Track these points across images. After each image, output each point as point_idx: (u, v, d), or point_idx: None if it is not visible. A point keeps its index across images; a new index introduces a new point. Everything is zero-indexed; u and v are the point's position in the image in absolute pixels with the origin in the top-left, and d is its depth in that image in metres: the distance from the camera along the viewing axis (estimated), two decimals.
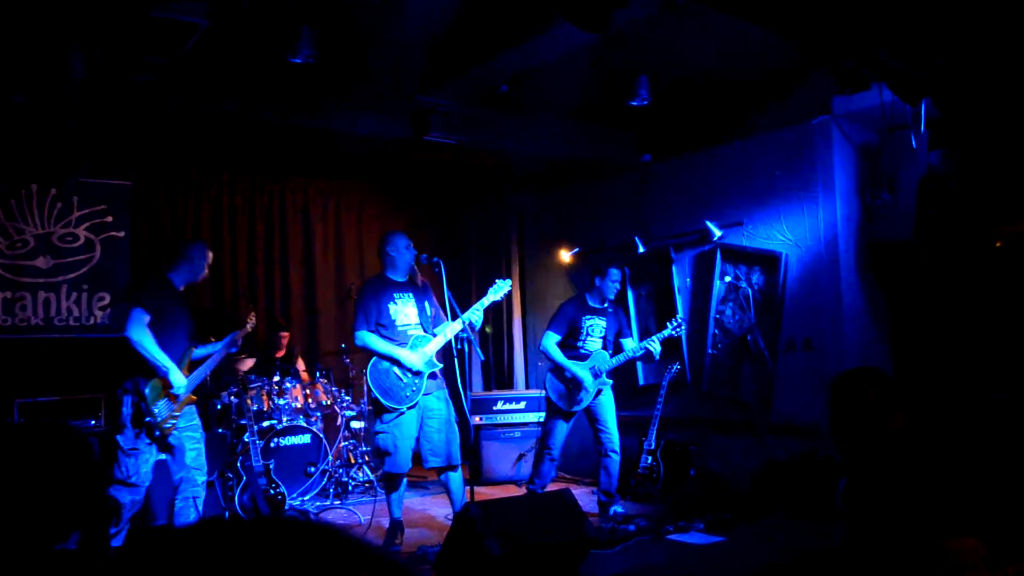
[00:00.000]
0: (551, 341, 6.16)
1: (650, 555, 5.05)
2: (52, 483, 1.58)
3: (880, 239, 6.13)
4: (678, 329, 6.22)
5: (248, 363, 7.58)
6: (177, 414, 4.89)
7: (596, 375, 6.09)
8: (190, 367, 5.06)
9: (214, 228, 8.46)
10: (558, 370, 6.15)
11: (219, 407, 7.11)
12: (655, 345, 5.98)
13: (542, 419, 6.94)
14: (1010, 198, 5.41)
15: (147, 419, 4.77)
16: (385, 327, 5.37)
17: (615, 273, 6.25)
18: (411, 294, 5.50)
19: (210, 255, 5.22)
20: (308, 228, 9.01)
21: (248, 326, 5.50)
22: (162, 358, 4.82)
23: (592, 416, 6.21)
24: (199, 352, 5.20)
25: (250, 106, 6.43)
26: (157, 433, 4.81)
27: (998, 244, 5.64)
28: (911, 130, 5.52)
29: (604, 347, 6.23)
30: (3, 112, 6.01)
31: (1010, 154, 5.29)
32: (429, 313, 5.51)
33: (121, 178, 7.83)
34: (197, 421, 5.08)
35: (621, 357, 6.15)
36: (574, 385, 6.09)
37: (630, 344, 6.27)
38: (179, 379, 4.87)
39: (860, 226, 6.21)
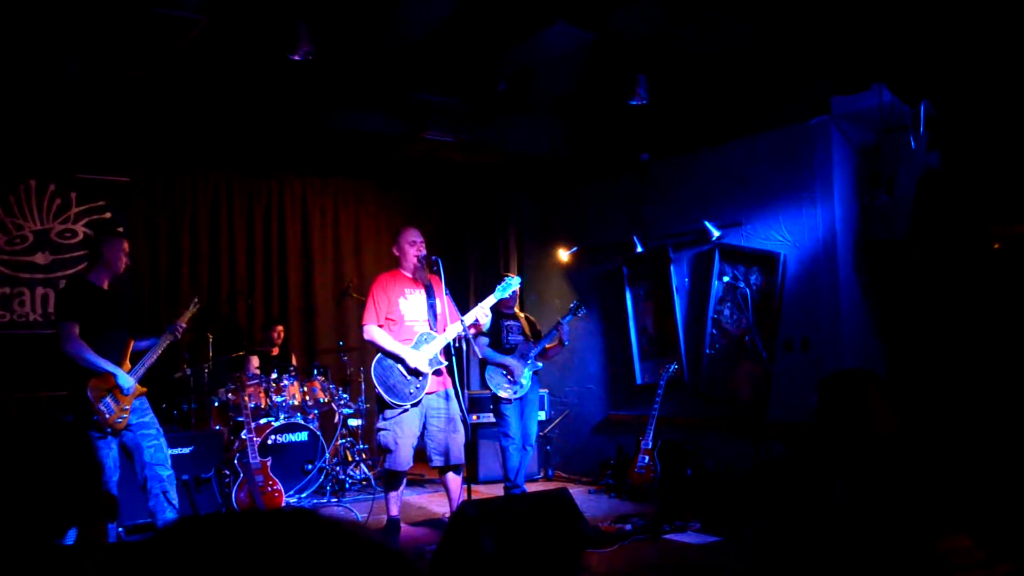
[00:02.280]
0: (483, 343, 6.54)
1: (646, 554, 5.06)
2: (49, 479, 1.58)
3: (878, 239, 6.13)
4: (576, 310, 6.73)
5: (255, 361, 7.58)
6: (127, 407, 4.89)
7: (525, 360, 6.54)
8: (132, 360, 5.05)
9: (211, 225, 8.45)
10: (495, 366, 6.51)
11: (216, 404, 7.11)
12: (564, 327, 6.52)
13: (539, 419, 7.05)
14: (1008, 199, 5.42)
15: (94, 417, 4.77)
16: (395, 321, 5.39)
17: (515, 279, 6.34)
18: (422, 291, 5.52)
19: (125, 245, 5.12)
20: (306, 226, 9.01)
21: (191, 311, 5.44)
22: (104, 364, 4.84)
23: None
24: (141, 344, 5.16)
25: (248, 103, 6.43)
26: (108, 429, 4.81)
27: (996, 245, 5.64)
28: (910, 131, 5.53)
29: (526, 341, 6.70)
30: (2, 108, 6.00)
31: (1008, 155, 5.30)
32: (439, 311, 5.52)
33: (120, 175, 7.83)
34: (150, 416, 5.06)
35: (543, 341, 6.60)
36: (510, 374, 6.47)
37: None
38: (126, 380, 4.89)
39: (858, 226, 6.21)
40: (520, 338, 6.70)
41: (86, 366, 4.80)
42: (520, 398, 6.50)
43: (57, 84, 5.46)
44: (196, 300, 5.60)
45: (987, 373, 5.41)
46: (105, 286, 5.03)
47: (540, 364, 6.74)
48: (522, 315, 6.92)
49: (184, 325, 5.30)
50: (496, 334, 6.57)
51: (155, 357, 5.14)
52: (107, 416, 4.79)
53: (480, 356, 6.52)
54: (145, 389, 5.04)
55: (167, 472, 4.99)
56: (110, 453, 4.85)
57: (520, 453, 6.44)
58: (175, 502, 4.98)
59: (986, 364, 5.45)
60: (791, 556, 4.69)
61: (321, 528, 0.65)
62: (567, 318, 6.61)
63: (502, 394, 6.43)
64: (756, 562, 4.63)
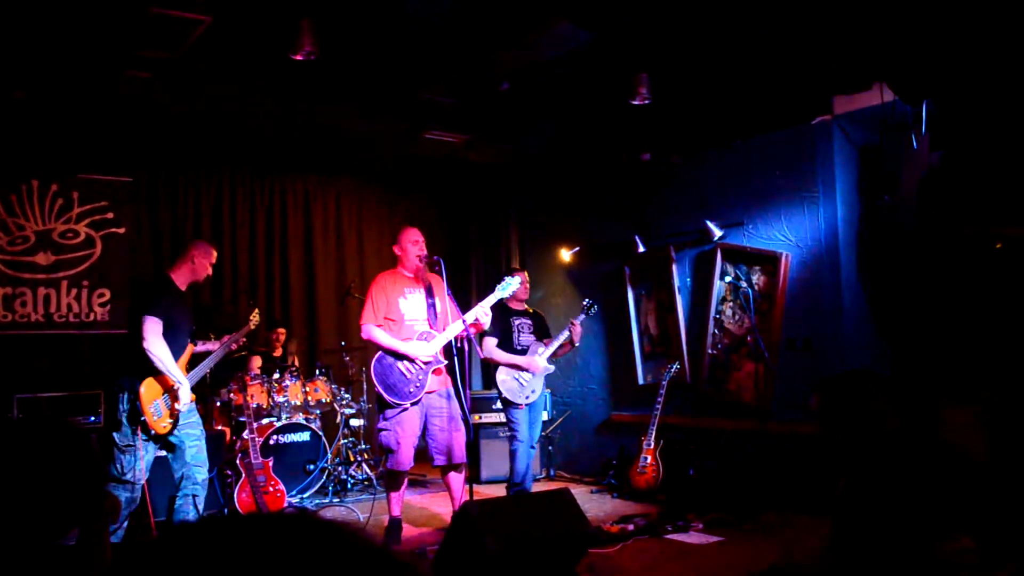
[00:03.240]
0: (491, 344, 6.32)
1: (649, 554, 5.05)
2: (52, 479, 1.58)
3: (880, 239, 6.13)
4: (589, 310, 6.64)
5: (257, 361, 7.60)
6: (175, 416, 4.88)
7: (538, 360, 6.35)
8: (189, 364, 5.07)
9: (214, 225, 8.46)
10: (507, 368, 6.28)
11: (219, 404, 7.12)
12: (573, 327, 6.36)
13: (542, 419, 7.01)
14: (1011, 199, 5.41)
15: (142, 418, 4.76)
16: (394, 321, 5.39)
17: (515, 279, 6.30)
18: (422, 291, 5.51)
19: (214, 254, 5.21)
20: (308, 225, 9.02)
21: (251, 324, 5.52)
22: (177, 373, 4.82)
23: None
24: (198, 350, 5.22)
25: (251, 102, 6.43)
26: (152, 432, 4.81)
27: (998, 245, 5.63)
28: (912, 130, 5.52)
29: (537, 341, 6.49)
30: (4, 107, 6.01)
31: (1010, 155, 5.29)
32: (438, 310, 5.51)
33: (122, 174, 7.83)
34: (196, 417, 5.07)
35: (557, 342, 6.39)
36: (523, 378, 6.25)
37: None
38: (187, 394, 4.89)
39: (860, 226, 6.21)
40: (532, 338, 6.50)
41: (159, 366, 4.75)
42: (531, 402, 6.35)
43: (60, 83, 5.47)
44: (255, 315, 5.67)
45: (990, 372, 5.41)
46: (183, 289, 5.06)
47: (552, 366, 6.53)
48: (531, 311, 6.69)
49: (243, 339, 5.35)
50: (507, 334, 6.39)
51: (210, 366, 5.22)
52: (155, 419, 4.79)
53: (484, 355, 6.37)
54: (194, 396, 5.05)
55: (203, 476, 4.99)
56: (146, 456, 4.84)
57: (529, 456, 6.34)
58: (200, 508, 4.98)
59: (989, 363, 5.44)
60: (794, 556, 4.69)
61: (322, 532, 0.64)
62: (579, 318, 6.49)
63: (515, 398, 6.23)
64: (758, 562, 4.62)
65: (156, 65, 5.53)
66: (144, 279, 7.33)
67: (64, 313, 7.49)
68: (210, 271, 5.18)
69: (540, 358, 6.33)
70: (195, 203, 8.38)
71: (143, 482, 4.85)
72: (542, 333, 6.58)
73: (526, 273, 6.63)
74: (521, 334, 6.47)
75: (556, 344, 6.41)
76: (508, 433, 6.45)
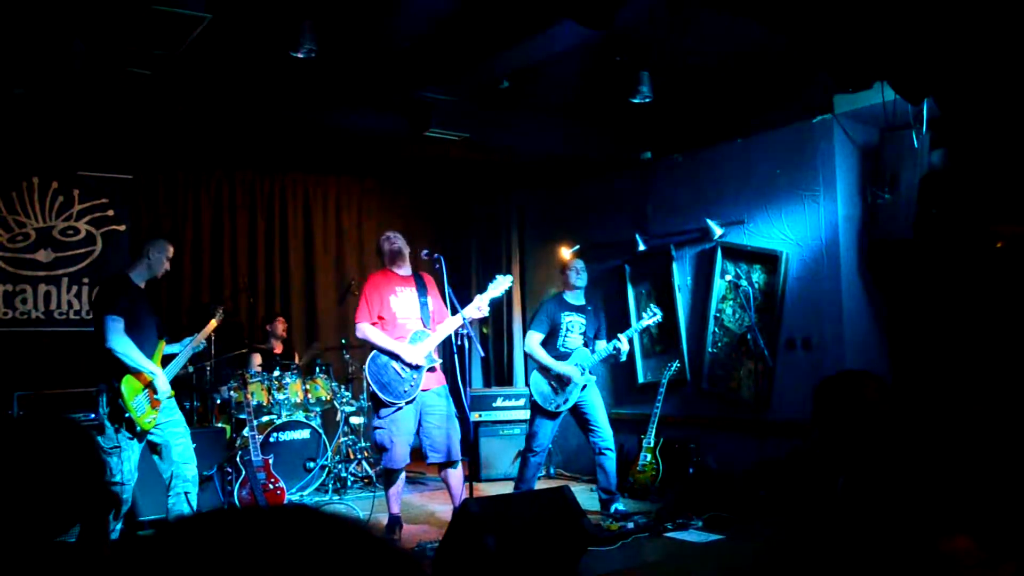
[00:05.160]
0: (535, 340, 6.08)
1: (648, 552, 5.06)
2: (52, 475, 1.58)
3: (881, 238, 6.12)
4: (654, 318, 6.27)
5: (257, 359, 7.60)
6: (158, 408, 4.88)
7: (580, 373, 6.04)
8: (163, 363, 5.05)
9: (214, 222, 8.46)
10: (543, 370, 6.07)
11: (219, 401, 7.12)
12: (622, 343, 6.02)
13: None
14: (1012, 198, 5.41)
15: (126, 415, 4.74)
16: (386, 320, 5.39)
17: (579, 263, 6.29)
18: (414, 289, 5.52)
19: (170, 250, 5.13)
20: (308, 223, 9.02)
21: (213, 323, 5.46)
22: (148, 365, 4.81)
23: (581, 416, 6.15)
24: (170, 348, 5.18)
25: (251, 100, 6.42)
26: (138, 428, 4.80)
27: (999, 244, 5.63)
28: (913, 129, 5.52)
29: (585, 345, 6.17)
30: (4, 105, 6.01)
31: (1011, 154, 5.29)
32: (431, 308, 5.52)
33: (122, 172, 7.83)
34: (178, 415, 5.06)
35: (602, 352, 6.11)
36: (559, 384, 6.01)
37: (602, 345, 6.23)
38: (165, 384, 4.87)
39: (861, 225, 6.21)
40: (579, 341, 6.09)
41: (129, 364, 4.75)
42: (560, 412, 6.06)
43: (60, 80, 5.46)
44: (220, 311, 5.60)
45: (990, 372, 5.40)
46: (142, 286, 5.04)
47: (594, 378, 6.14)
48: (587, 306, 6.24)
49: (200, 340, 5.29)
50: (554, 331, 6.08)
51: (183, 363, 5.18)
52: (139, 414, 4.78)
53: (524, 349, 6.16)
54: (173, 392, 5.03)
55: (193, 472, 4.99)
56: (133, 456, 4.84)
57: (539, 467, 6.19)
58: (195, 504, 4.98)
59: (989, 363, 5.44)
60: (793, 555, 4.69)
61: (325, 524, 0.64)
62: (633, 331, 6.11)
63: (545, 404, 5.99)
64: (758, 561, 4.63)
65: (157, 62, 5.52)
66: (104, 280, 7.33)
67: (64, 310, 7.49)
68: (167, 266, 5.11)
69: (585, 368, 5.99)
70: (195, 201, 8.38)
71: (133, 483, 4.84)
72: (594, 332, 6.23)
73: (580, 259, 6.42)
74: (569, 335, 6.11)
75: (600, 356, 6.11)
76: (525, 439, 6.27)
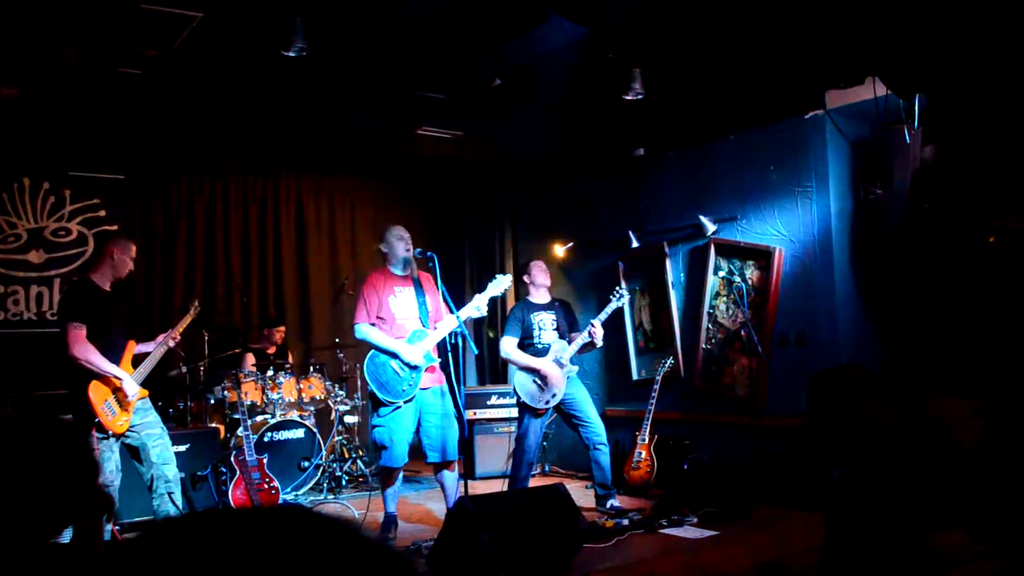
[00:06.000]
0: (510, 345, 6.10)
1: (643, 548, 5.06)
2: (46, 477, 1.57)
3: (873, 234, 6.14)
4: (619, 299, 6.20)
5: (251, 359, 7.58)
6: (129, 411, 4.83)
7: (560, 365, 6.04)
8: (133, 363, 4.99)
9: (207, 222, 8.44)
10: (524, 369, 6.08)
11: (212, 401, 7.10)
12: (595, 328, 5.96)
13: None
14: (1004, 193, 5.42)
15: (96, 419, 4.69)
16: (385, 320, 5.38)
17: (538, 263, 6.33)
18: (412, 288, 5.51)
19: (133, 249, 5.04)
20: (301, 223, 9.00)
21: (188, 316, 5.37)
22: (112, 369, 4.75)
23: (568, 412, 6.13)
24: (140, 348, 5.11)
25: (242, 100, 6.41)
26: (110, 432, 4.75)
27: (991, 239, 5.65)
28: (905, 124, 5.53)
29: (561, 337, 6.18)
30: None
31: (1003, 148, 5.31)
32: (429, 308, 5.51)
33: (114, 172, 7.80)
34: (154, 415, 5.01)
35: (579, 341, 6.06)
36: (542, 381, 6.01)
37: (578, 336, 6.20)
38: (133, 387, 4.82)
39: (853, 221, 6.22)
40: (554, 334, 6.12)
41: (93, 369, 4.71)
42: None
43: (51, 80, 5.44)
44: (196, 304, 5.51)
45: (982, 366, 5.43)
46: (107, 288, 4.95)
47: (576, 368, 6.14)
48: (555, 302, 6.31)
49: (177, 335, 5.21)
50: (527, 332, 6.12)
51: (155, 362, 5.09)
52: (109, 418, 4.74)
53: (501, 356, 6.19)
54: (147, 392, 4.99)
55: (173, 472, 4.96)
56: (112, 456, 4.80)
57: (531, 467, 6.17)
58: (180, 503, 4.95)
59: (981, 357, 5.46)
60: (787, 550, 4.70)
61: (318, 525, 0.64)
62: (599, 317, 6.04)
63: (533, 403, 5.99)
64: (753, 556, 4.63)
65: (147, 62, 5.51)
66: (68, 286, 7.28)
67: (56, 311, 7.46)
68: (131, 266, 5.03)
69: (564, 359, 6.01)
70: (188, 200, 8.36)
71: (116, 484, 4.78)
72: (567, 326, 6.25)
73: (541, 262, 6.46)
74: (543, 332, 6.15)
75: (577, 345, 6.08)
76: (515, 437, 6.27)
